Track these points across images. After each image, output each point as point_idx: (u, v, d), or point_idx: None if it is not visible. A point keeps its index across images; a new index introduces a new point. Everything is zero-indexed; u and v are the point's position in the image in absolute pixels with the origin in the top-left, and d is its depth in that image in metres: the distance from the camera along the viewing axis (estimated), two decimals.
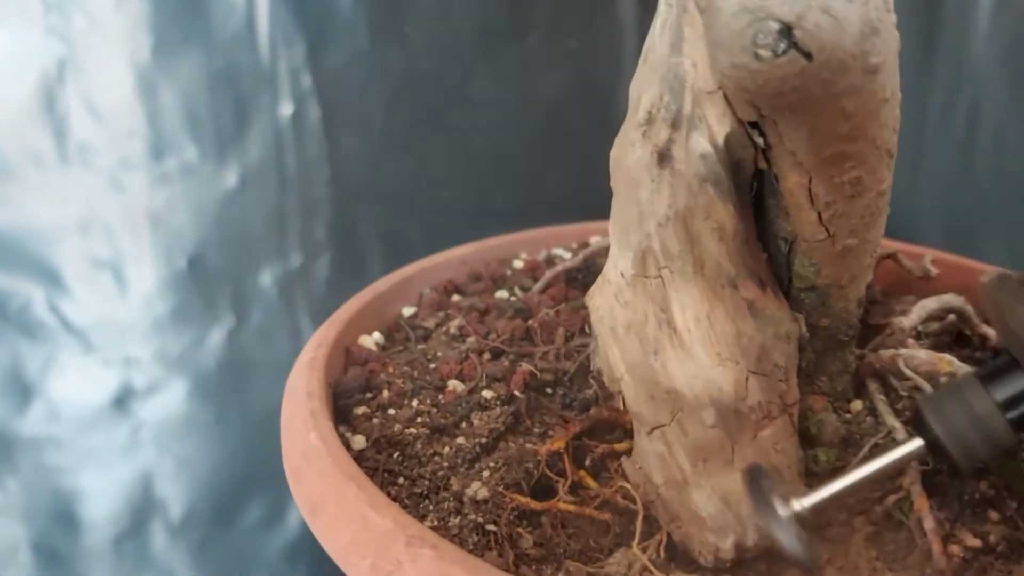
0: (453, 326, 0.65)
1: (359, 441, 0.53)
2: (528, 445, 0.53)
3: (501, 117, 1.07)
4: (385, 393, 0.58)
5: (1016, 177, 1.10)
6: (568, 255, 0.78)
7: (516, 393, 0.56)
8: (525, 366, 0.58)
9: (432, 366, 0.61)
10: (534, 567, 0.47)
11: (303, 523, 1.02)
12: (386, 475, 0.51)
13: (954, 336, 0.62)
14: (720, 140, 0.45)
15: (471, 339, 0.63)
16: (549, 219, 0.85)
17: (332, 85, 0.99)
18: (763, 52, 0.37)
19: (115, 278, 0.95)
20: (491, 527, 0.47)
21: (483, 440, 0.53)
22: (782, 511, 0.42)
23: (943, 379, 0.51)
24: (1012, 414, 0.43)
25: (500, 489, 0.50)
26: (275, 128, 0.98)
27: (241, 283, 1.00)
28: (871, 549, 0.47)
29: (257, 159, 0.98)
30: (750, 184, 0.49)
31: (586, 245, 0.76)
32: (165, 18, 0.92)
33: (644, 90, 0.48)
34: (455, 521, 0.48)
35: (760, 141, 0.44)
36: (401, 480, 0.51)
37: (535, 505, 0.50)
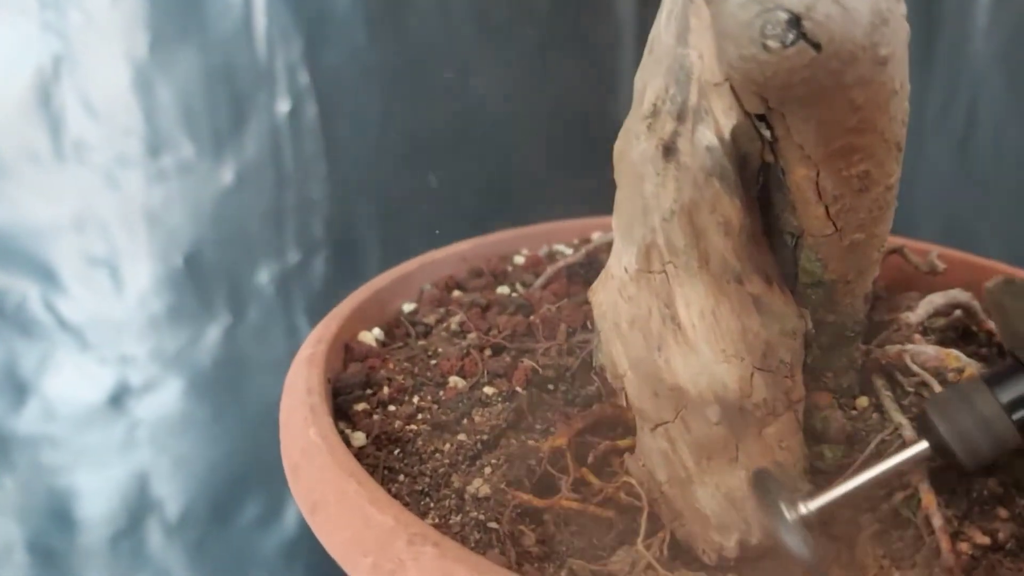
0: (454, 322, 0.65)
1: (359, 438, 0.53)
2: (530, 442, 0.53)
3: (500, 113, 1.07)
4: (385, 389, 0.58)
5: (1014, 173, 1.10)
6: (569, 251, 0.78)
7: (518, 389, 0.56)
8: (527, 362, 0.58)
9: (433, 362, 0.60)
10: (537, 565, 0.46)
11: (300, 522, 1.03)
12: (386, 472, 0.51)
13: (960, 332, 0.62)
14: (726, 133, 0.44)
15: (472, 335, 0.62)
16: (549, 215, 0.84)
17: (329, 82, 0.99)
18: (771, 43, 0.36)
19: (111, 276, 0.95)
20: (493, 525, 0.47)
21: (484, 437, 0.53)
22: (789, 515, 0.42)
23: (950, 375, 0.51)
24: (1018, 415, 0.43)
25: (502, 486, 0.49)
26: (272, 125, 0.98)
27: (238, 281, 1.00)
28: (878, 547, 0.46)
29: (254, 156, 0.98)
30: (756, 178, 0.48)
31: (587, 241, 0.76)
32: (161, 14, 0.91)
33: (649, 82, 0.47)
34: (456, 519, 0.47)
35: (767, 134, 0.44)
36: (402, 477, 0.50)
37: (537, 502, 0.49)
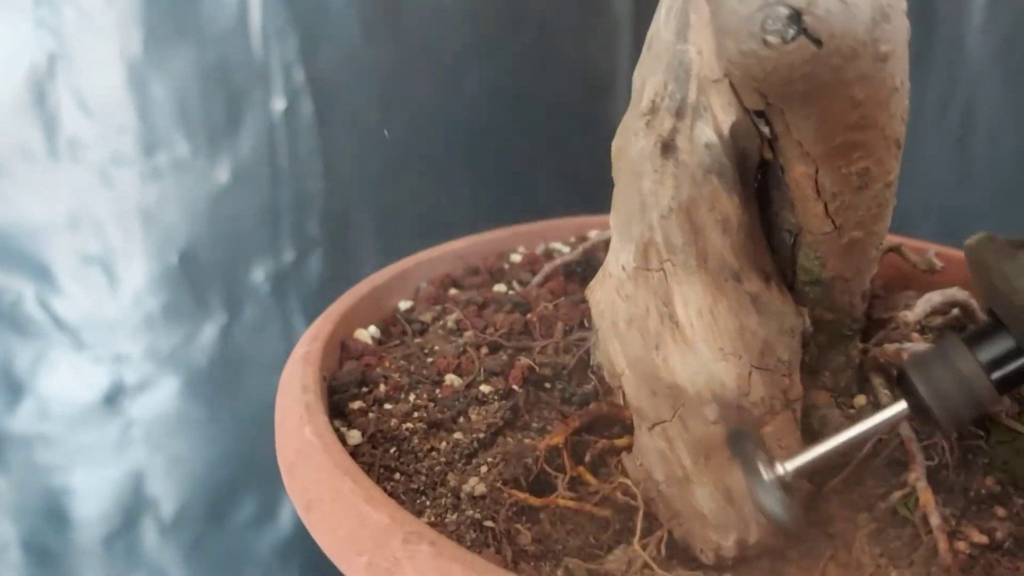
0: (450, 320, 0.64)
1: (355, 436, 0.52)
2: (527, 440, 0.52)
3: (496, 111, 1.07)
4: (381, 387, 0.57)
5: (1010, 172, 1.10)
6: (566, 249, 0.78)
7: (514, 388, 0.56)
8: (523, 360, 0.57)
9: (429, 360, 0.60)
10: (533, 564, 0.46)
11: (295, 521, 1.02)
12: (382, 471, 0.50)
13: (958, 331, 0.61)
14: (725, 130, 0.44)
15: (469, 333, 0.62)
16: (545, 214, 0.84)
17: (325, 80, 0.99)
18: (772, 38, 0.36)
19: (106, 274, 0.94)
20: (489, 523, 0.47)
21: (481, 435, 0.53)
22: (766, 474, 0.42)
23: None
24: (996, 375, 0.43)
25: (498, 485, 0.49)
26: (267, 123, 0.98)
27: (233, 279, 0.99)
28: (875, 546, 0.46)
29: (249, 154, 0.97)
30: (755, 175, 0.48)
31: (585, 239, 0.76)
32: (156, 12, 0.91)
33: (648, 78, 0.47)
34: (452, 517, 0.47)
35: (766, 131, 0.44)
36: (397, 476, 0.50)
37: (534, 501, 0.49)
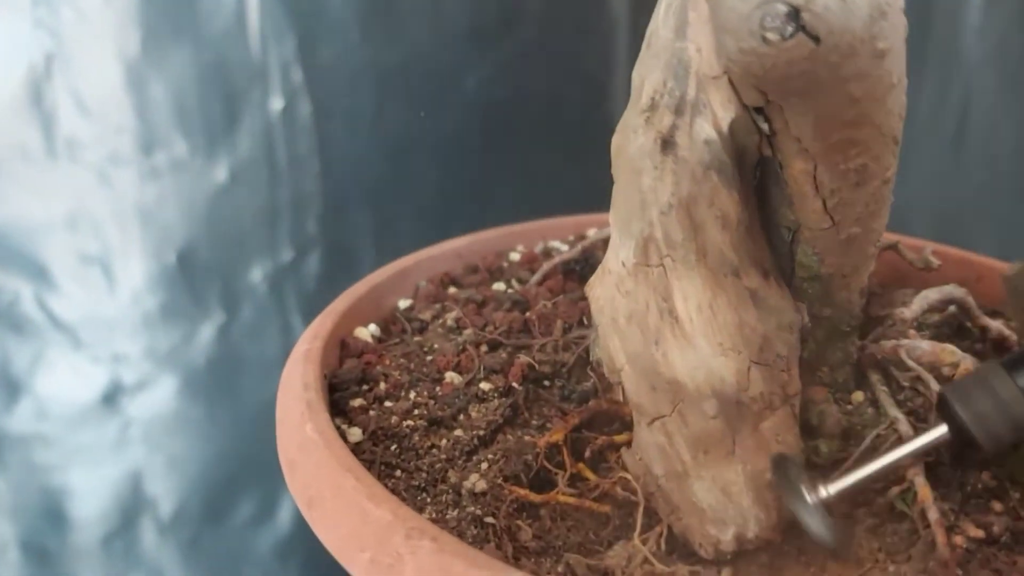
0: (450, 318, 0.65)
1: (355, 433, 0.52)
2: (526, 437, 0.53)
3: (493, 111, 1.07)
4: (382, 385, 0.57)
5: (1006, 171, 1.11)
6: (565, 247, 0.78)
7: (514, 385, 0.56)
8: (523, 358, 0.58)
9: (429, 358, 0.60)
10: (533, 560, 0.46)
11: (294, 520, 1.03)
12: (383, 468, 0.51)
13: (955, 327, 0.62)
14: (724, 126, 0.45)
15: (468, 331, 0.62)
16: (543, 213, 0.84)
17: (323, 79, 0.99)
18: (771, 35, 0.36)
19: (104, 274, 0.94)
20: (490, 520, 0.47)
21: (481, 432, 0.53)
22: (810, 498, 0.43)
23: (945, 369, 0.51)
24: None
25: (499, 481, 0.49)
26: (265, 123, 0.98)
27: (231, 279, 0.99)
28: (873, 541, 0.47)
29: (247, 154, 0.97)
30: (754, 172, 0.48)
31: (583, 237, 0.76)
32: (154, 12, 0.91)
33: (647, 76, 0.47)
34: (453, 514, 0.47)
35: (765, 127, 0.44)
36: (398, 473, 0.50)
37: (534, 497, 0.49)
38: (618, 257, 0.49)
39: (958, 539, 0.45)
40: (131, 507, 0.98)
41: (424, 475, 0.50)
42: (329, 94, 0.99)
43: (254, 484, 1.01)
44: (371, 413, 0.55)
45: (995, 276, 0.69)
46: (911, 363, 0.52)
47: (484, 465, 0.51)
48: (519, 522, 0.48)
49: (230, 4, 0.93)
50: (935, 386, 0.50)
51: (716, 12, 0.38)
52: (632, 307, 0.48)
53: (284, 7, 0.95)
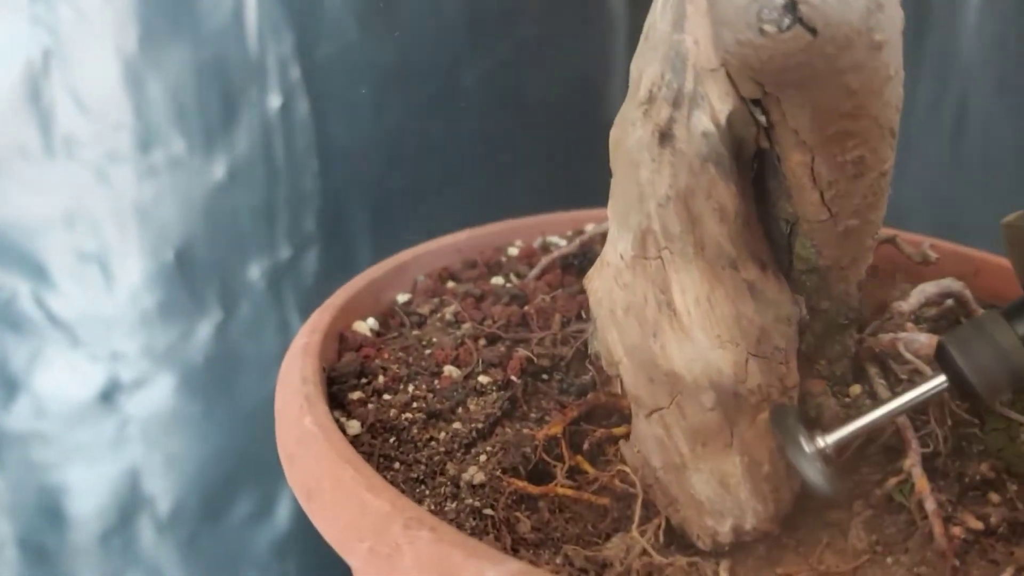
0: (448, 312, 0.65)
1: (354, 426, 0.52)
2: (525, 430, 0.53)
3: (492, 108, 1.07)
4: (380, 379, 0.57)
5: (1003, 168, 1.11)
6: (563, 242, 0.78)
7: (513, 378, 0.56)
8: (521, 352, 0.58)
9: (427, 352, 0.60)
10: (532, 551, 0.46)
11: (292, 518, 1.03)
12: (382, 460, 0.51)
13: (952, 321, 0.62)
14: (722, 119, 0.45)
15: (467, 325, 0.62)
16: (540, 210, 0.85)
17: (321, 77, 0.99)
18: (768, 27, 0.36)
19: (101, 271, 0.94)
20: (488, 512, 0.47)
21: (479, 425, 0.53)
22: (808, 447, 0.43)
23: None
24: None
25: (497, 474, 0.49)
26: (263, 120, 0.97)
27: (229, 276, 0.99)
28: (871, 532, 0.47)
29: (245, 151, 0.97)
30: (751, 164, 0.48)
31: (581, 232, 0.76)
32: (152, 9, 0.91)
33: (645, 69, 0.47)
34: (452, 506, 0.48)
35: (762, 120, 0.44)
36: (397, 465, 0.51)
37: (532, 490, 0.49)
38: (616, 250, 0.49)
39: (956, 530, 0.45)
40: (129, 505, 0.98)
41: (423, 467, 0.50)
42: (327, 92, 0.99)
43: (252, 482, 1.01)
44: (370, 406, 0.55)
45: (993, 270, 0.70)
46: (909, 356, 0.52)
47: (483, 458, 0.51)
48: (518, 514, 0.48)
49: (228, 2, 0.93)
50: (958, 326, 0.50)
51: (714, 4, 0.38)
52: (630, 299, 0.48)
53: (282, 5, 0.95)
